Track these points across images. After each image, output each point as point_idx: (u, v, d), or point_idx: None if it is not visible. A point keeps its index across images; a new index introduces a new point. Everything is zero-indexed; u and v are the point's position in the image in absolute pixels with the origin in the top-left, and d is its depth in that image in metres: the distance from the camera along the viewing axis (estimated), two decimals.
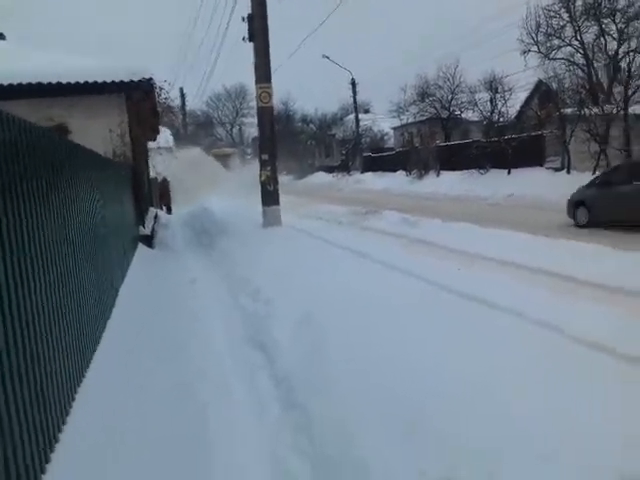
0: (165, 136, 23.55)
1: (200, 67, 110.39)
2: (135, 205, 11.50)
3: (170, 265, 9.94)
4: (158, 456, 3.30)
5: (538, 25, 24.91)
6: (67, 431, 3.46)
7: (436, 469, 2.95)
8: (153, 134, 18.77)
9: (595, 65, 23.81)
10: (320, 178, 44.70)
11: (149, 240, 11.80)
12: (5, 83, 9.75)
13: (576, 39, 24.10)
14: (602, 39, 23.38)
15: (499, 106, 28.22)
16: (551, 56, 25.02)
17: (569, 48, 24.52)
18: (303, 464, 3.37)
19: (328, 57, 41.95)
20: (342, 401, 3.85)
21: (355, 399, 3.83)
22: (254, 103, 14.28)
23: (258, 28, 13.06)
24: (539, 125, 24.02)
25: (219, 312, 6.76)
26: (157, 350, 5.10)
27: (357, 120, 46.05)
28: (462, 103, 35.59)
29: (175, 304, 6.90)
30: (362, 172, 41.75)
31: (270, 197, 13.36)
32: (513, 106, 28.85)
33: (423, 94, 39.00)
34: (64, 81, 10.15)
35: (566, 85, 23.55)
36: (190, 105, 58.52)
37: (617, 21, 22.66)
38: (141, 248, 10.87)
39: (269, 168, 13.39)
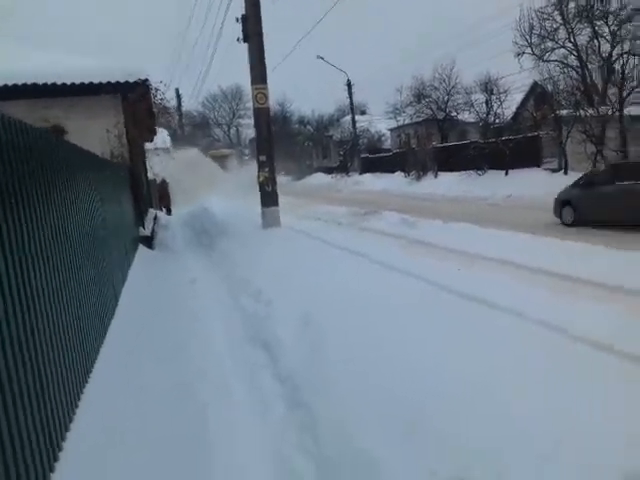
0: (162, 137, 23.55)
1: (195, 68, 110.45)
2: (134, 206, 11.48)
3: (170, 266, 9.93)
4: (159, 456, 3.30)
5: (531, 27, 24.99)
6: (73, 430, 3.47)
7: (440, 467, 2.96)
8: (150, 135, 18.75)
9: (589, 67, 23.88)
10: (319, 179, 44.73)
11: (149, 241, 11.79)
12: (0, 84, 9.73)
13: (570, 41, 24.17)
14: (595, 41, 23.45)
15: (495, 107, 28.34)
16: (545, 58, 25.10)
17: (563, 50, 24.60)
18: (308, 463, 3.37)
19: (322, 58, 41.90)
20: (341, 401, 3.86)
21: (354, 399, 3.84)
22: (250, 104, 14.26)
23: (252, 29, 13.05)
24: (535, 126, 24.09)
25: (219, 313, 6.76)
26: (158, 351, 5.11)
27: (354, 121, 46.07)
28: (458, 104, 35.66)
29: (175, 305, 6.90)
30: (360, 173, 41.79)
31: (269, 198, 13.35)
32: (509, 107, 28.95)
33: (419, 95, 39.04)
34: (60, 82, 10.15)
35: (561, 87, 23.61)
36: (186, 106, 58.52)
37: (610, 23, 22.74)
38: (141, 249, 10.87)
39: (267, 169, 13.38)
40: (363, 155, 44.53)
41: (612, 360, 4.14)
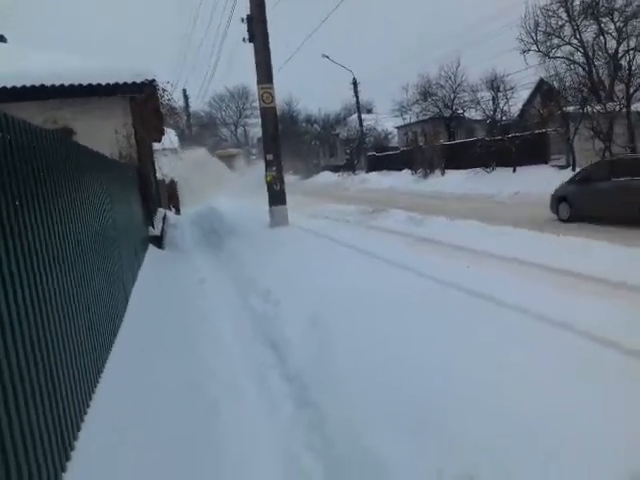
0: (170, 137, 23.61)
1: (202, 68, 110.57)
2: (143, 206, 11.54)
3: (180, 265, 10.00)
4: (170, 455, 3.34)
5: (537, 24, 24.86)
6: (85, 430, 3.52)
7: (447, 466, 2.98)
8: (158, 135, 18.82)
9: (596, 64, 23.74)
10: (326, 178, 44.72)
11: (159, 241, 11.86)
12: (9, 85, 9.81)
13: (575, 38, 24.04)
14: (601, 38, 23.31)
15: (501, 105, 28.24)
16: (551, 55, 24.97)
17: (569, 47, 24.46)
18: (317, 462, 3.40)
19: (328, 57, 41.87)
20: (349, 400, 3.88)
21: (362, 398, 3.86)
22: (257, 104, 14.32)
23: (257, 29, 13.10)
24: (542, 123, 23.99)
25: (228, 312, 6.80)
26: (168, 350, 5.16)
27: (360, 119, 46.01)
28: (464, 102, 35.58)
29: (185, 304, 6.95)
30: (367, 171, 41.73)
31: (276, 197, 13.40)
32: (515, 105, 28.83)
33: (425, 93, 38.99)
34: (68, 83, 10.21)
35: (567, 84, 23.49)
36: (193, 106, 58.69)
37: (615, 20, 22.61)
38: (151, 249, 10.94)
39: (274, 168, 13.43)
40: (370, 153, 44.46)
41: (621, 358, 4.15)
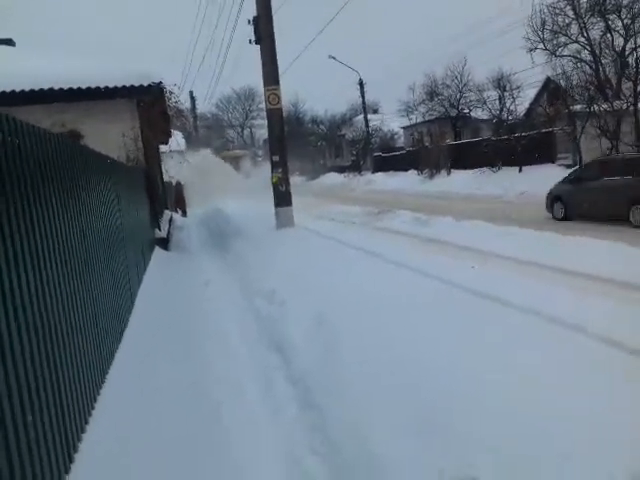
0: (177, 139, 23.72)
1: (209, 70, 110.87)
2: (150, 208, 11.60)
3: (186, 267, 10.03)
4: (174, 458, 3.35)
5: (543, 23, 24.77)
6: (89, 432, 3.53)
7: (453, 468, 2.97)
8: (165, 137, 18.89)
9: (603, 61, 23.64)
10: (332, 179, 44.70)
11: (165, 243, 11.93)
12: (18, 89, 9.90)
13: (582, 36, 23.93)
14: (609, 35, 23.20)
15: (508, 104, 28.16)
16: (558, 53, 24.88)
17: (576, 45, 24.35)
18: (321, 464, 3.40)
19: (334, 58, 41.91)
20: (356, 402, 3.88)
21: (368, 399, 3.85)
22: (263, 105, 14.36)
23: (264, 30, 13.11)
24: (549, 122, 23.91)
25: (233, 314, 6.82)
26: (173, 352, 5.17)
27: (366, 120, 46.00)
28: (471, 102, 35.49)
29: (191, 306, 6.98)
30: (373, 172, 41.71)
31: (282, 198, 13.41)
32: (522, 104, 28.75)
33: (431, 93, 38.97)
34: (75, 86, 10.28)
35: (574, 82, 23.41)
36: (200, 108, 58.85)
37: (623, 17, 22.51)
38: (157, 250, 11.00)
39: (280, 169, 13.44)
40: (376, 154, 44.43)
41: (628, 358, 4.15)
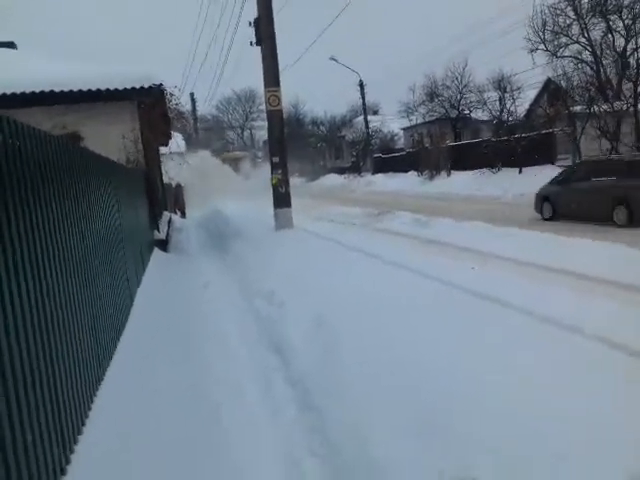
0: (177, 141, 23.73)
1: (209, 72, 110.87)
2: (149, 210, 11.61)
3: (185, 269, 10.04)
4: (172, 460, 3.34)
5: (544, 23, 24.82)
6: (86, 433, 3.53)
7: (453, 469, 2.97)
8: (165, 139, 18.91)
9: (603, 62, 23.66)
10: (332, 180, 44.73)
11: (164, 244, 11.93)
12: (18, 91, 9.92)
13: (583, 36, 23.98)
14: (609, 36, 23.24)
15: (508, 105, 28.18)
16: (559, 54, 24.92)
17: (577, 46, 24.40)
18: (321, 466, 3.40)
19: (335, 59, 41.98)
20: (356, 403, 3.87)
21: (369, 401, 3.85)
22: (264, 106, 14.37)
23: (265, 32, 13.12)
24: (549, 123, 23.93)
25: (233, 315, 6.81)
26: (172, 353, 5.17)
27: (366, 121, 46.04)
28: (471, 103, 35.56)
29: (189, 307, 6.98)
30: (373, 173, 41.74)
31: (282, 200, 13.40)
32: (522, 105, 28.77)
33: (432, 94, 39.02)
34: (76, 89, 10.30)
35: (575, 83, 23.44)
36: (200, 110, 58.89)
37: (624, 17, 22.54)
38: (156, 252, 11.00)
39: (280, 171, 13.44)
40: (376, 155, 44.47)
41: (624, 359, 4.14)
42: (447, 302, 5.86)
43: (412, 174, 34.02)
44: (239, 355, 5.35)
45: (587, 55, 24.12)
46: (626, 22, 22.46)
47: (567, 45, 24.66)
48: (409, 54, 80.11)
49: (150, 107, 11.90)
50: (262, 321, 6.41)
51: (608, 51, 23.43)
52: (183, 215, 23.44)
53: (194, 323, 6.29)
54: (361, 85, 45.07)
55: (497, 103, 29.48)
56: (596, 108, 20.63)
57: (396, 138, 49.91)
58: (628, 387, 3.64)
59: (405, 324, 5.13)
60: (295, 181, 26.93)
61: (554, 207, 13.91)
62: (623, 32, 22.72)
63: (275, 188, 13.44)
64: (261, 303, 7.00)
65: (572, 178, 13.82)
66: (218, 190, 27.51)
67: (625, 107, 20.34)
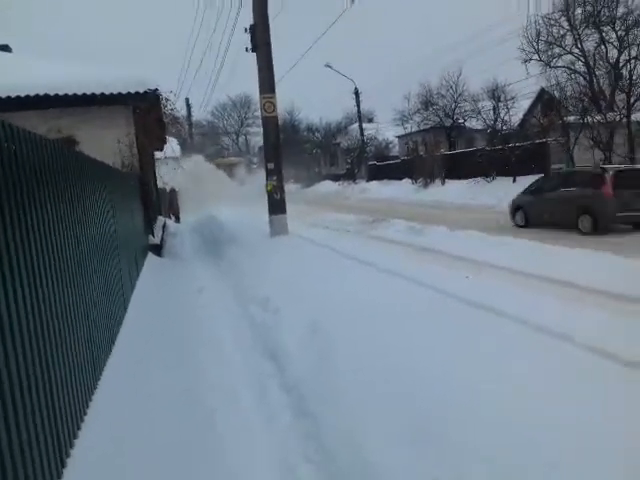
0: (172, 146, 23.71)
1: (205, 77, 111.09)
2: (144, 215, 11.59)
3: (179, 274, 10.01)
4: (167, 465, 3.34)
5: (538, 34, 25.04)
6: (81, 437, 3.52)
7: (447, 477, 2.98)
8: (160, 144, 18.87)
9: (597, 73, 23.87)
10: (326, 187, 44.78)
11: (158, 249, 11.91)
12: (13, 95, 9.91)
13: (577, 47, 24.21)
14: (603, 47, 23.45)
15: (502, 114, 28.35)
16: (552, 64, 25.12)
17: (570, 56, 24.64)
18: (316, 472, 3.39)
19: (330, 66, 42.07)
20: (350, 410, 3.87)
21: (363, 408, 3.85)
22: (259, 113, 14.39)
23: (260, 38, 13.17)
24: (542, 133, 24.08)
25: (227, 321, 6.80)
26: (166, 359, 5.15)
27: (361, 129, 46.18)
28: (465, 112, 35.72)
29: (184, 313, 6.96)
30: (368, 180, 41.80)
31: (277, 206, 13.41)
32: (516, 114, 28.95)
33: (427, 103, 39.18)
34: (71, 93, 10.29)
35: (568, 93, 23.61)
36: (195, 115, 58.84)
37: (617, 29, 22.77)
38: (150, 257, 10.97)
39: (275, 177, 13.45)
40: (370, 162, 44.58)
41: (619, 369, 4.16)
42: (441, 310, 5.88)
43: (406, 182, 34.10)
44: (234, 361, 5.34)
45: (580, 66, 24.36)
46: (619, 33, 22.70)
47: (561, 55, 24.91)
48: (405, 62, 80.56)
49: (145, 112, 11.89)
50: (257, 327, 6.40)
51: (601, 62, 23.67)
52: (177, 220, 23.40)
53: (188, 328, 6.28)
54: (356, 93, 45.23)
55: (491, 112, 29.65)
56: (589, 118, 20.79)
57: (391, 146, 50.09)
58: (618, 395, 3.67)
59: (400, 332, 5.14)
60: (290, 187, 26.98)
61: (526, 215, 14.78)
62: (616, 43, 22.96)
63: (270, 194, 13.45)
64: (256, 309, 6.99)
65: (543, 188, 14.70)
66: (212, 195, 27.48)
67: (618, 118, 20.52)
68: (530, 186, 15.65)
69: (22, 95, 9.94)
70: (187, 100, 52.52)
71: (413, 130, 41.74)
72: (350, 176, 44.63)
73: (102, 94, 10.54)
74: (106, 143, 10.35)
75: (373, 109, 58.50)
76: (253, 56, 13.42)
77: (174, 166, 19.61)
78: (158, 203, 18.78)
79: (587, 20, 23.47)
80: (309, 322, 5.68)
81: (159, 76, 11.61)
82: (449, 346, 4.67)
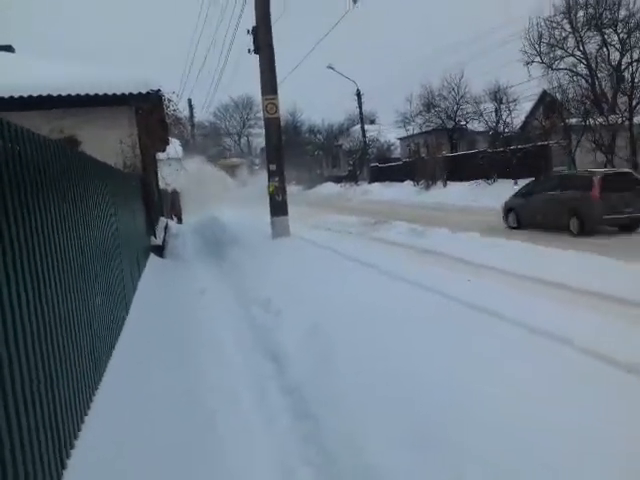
0: (174, 147, 23.73)
1: (207, 78, 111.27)
2: (146, 215, 11.59)
3: (181, 275, 10.02)
4: (167, 467, 3.34)
5: (540, 36, 25.03)
6: (82, 438, 3.52)
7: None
8: (162, 145, 18.88)
9: (599, 75, 23.85)
10: (328, 188, 44.80)
11: (160, 250, 11.92)
12: (16, 95, 9.93)
13: (579, 49, 24.20)
14: (605, 49, 23.44)
15: (504, 116, 28.36)
16: (554, 66, 25.10)
17: (572, 58, 24.64)
18: (316, 475, 3.39)
19: (333, 68, 42.11)
20: (351, 413, 3.87)
21: (364, 411, 3.85)
22: (261, 114, 14.40)
23: (263, 40, 13.18)
24: (544, 135, 24.07)
25: (228, 322, 6.81)
26: (167, 360, 5.16)
27: (363, 130, 46.21)
28: (467, 114, 35.76)
29: (185, 314, 6.97)
30: (370, 182, 41.84)
31: (278, 208, 13.41)
32: (518, 116, 28.97)
33: (428, 105, 39.20)
34: (74, 93, 10.31)
35: (570, 95, 23.60)
36: (198, 116, 58.88)
37: (619, 31, 22.76)
38: (152, 258, 10.98)
39: (277, 179, 13.46)
40: (372, 164, 44.61)
41: (617, 373, 4.18)
42: (443, 314, 5.88)
43: (408, 184, 34.12)
44: (234, 362, 5.34)
45: (582, 68, 24.35)
46: (621, 36, 22.69)
47: (562, 58, 24.91)
48: (407, 64, 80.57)
49: (148, 112, 11.91)
50: (258, 329, 6.41)
51: (603, 64, 23.66)
52: (179, 221, 23.44)
53: (190, 329, 6.28)
54: (358, 95, 45.27)
55: (493, 114, 29.66)
56: (591, 121, 20.79)
57: (393, 148, 50.10)
58: (614, 398, 3.69)
59: (400, 335, 5.14)
60: (292, 189, 26.97)
61: (519, 217, 15.19)
62: (618, 46, 22.94)
63: (272, 196, 13.44)
64: (257, 311, 7.00)
65: (533, 191, 15.13)
66: (214, 197, 27.51)
67: (620, 120, 20.50)
68: (521, 189, 16.12)
69: (25, 95, 9.97)
70: (189, 101, 52.62)
71: (415, 132, 41.76)
72: (352, 178, 44.65)
73: (105, 95, 10.56)
74: (108, 143, 10.36)
75: (375, 111, 58.60)
76: (255, 57, 13.44)
77: (176, 167, 19.62)
78: (160, 204, 18.80)
79: (589, 22, 23.47)
80: (310, 324, 5.68)
81: (161, 76, 11.64)
82: (450, 349, 4.67)
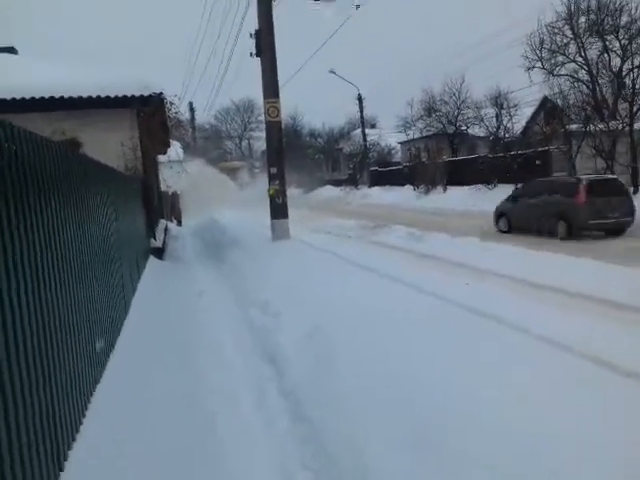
0: (175, 150, 23.77)
1: (208, 81, 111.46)
2: (146, 218, 11.61)
3: (180, 277, 10.03)
4: (167, 469, 3.34)
5: (542, 42, 25.04)
6: (80, 440, 3.52)
7: None
8: (164, 148, 18.91)
9: (600, 81, 23.87)
10: (328, 192, 44.87)
11: (160, 252, 11.92)
12: (18, 97, 9.96)
13: (580, 56, 24.21)
14: (606, 56, 23.46)
15: (505, 122, 28.37)
16: (555, 72, 25.12)
17: (573, 64, 24.63)
18: (316, 477, 3.40)
19: (334, 72, 42.23)
20: (351, 415, 3.87)
21: (364, 413, 3.85)
22: (262, 117, 14.43)
23: (265, 44, 13.21)
24: (545, 141, 24.09)
25: (228, 325, 6.81)
26: (166, 362, 5.16)
27: (364, 134, 46.27)
28: (468, 118, 35.79)
29: (184, 316, 6.97)
30: (370, 186, 41.88)
31: (278, 210, 13.42)
32: (519, 122, 28.95)
33: (429, 109, 39.25)
34: (76, 95, 10.34)
35: (571, 101, 23.63)
36: (199, 119, 58.98)
37: (620, 38, 22.78)
38: (152, 260, 10.99)
39: (277, 182, 13.47)
40: (372, 168, 44.64)
41: (614, 378, 4.19)
42: (442, 317, 5.88)
43: (408, 188, 34.15)
44: (234, 365, 5.34)
45: (583, 74, 24.34)
46: (622, 42, 22.70)
47: (564, 64, 24.89)
48: (408, 68, 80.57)
49: (149, 115, 11.93)
50: (257, 331, 6.41)
51: (604, 71, 23.66)
52: (179, 223, 23.47)
53: (189, 332, 6.29)
54: (359, 99, 45.38)
55: (494, 120, 29.66)
56: (592, 127, 20.81)
57: (393, 152, 50.10)
58: (615, 403, 3.68)
59: (400, 338, 5.15)
60: (292, 192, 27.00)
61: (509, 221, 15.58)
62: (619, 52, 22.96)
63: (272, 199, 13.45)
64: (256, 313, 7.01)
65: (523, 196, 15.52)
66: (215, 199, 27.54)
67: (621, 127, 20.51)
68: (512, 193, 16.54)
69: (27, 97, 9.99)
70: (191, 104, 52.78)
71: (416, 136, 41.76)
72: (352, 182, 44.69)
73: (107, 97, 10.58)
74: (110, 146, 10.38)
75: (376, 115, 58.71)
76: (257, 61, 13.46)
77: (177, 170, 19.65)
78: (160, 206, 18.82)
79: (590, 29, 23.49)
80: (310, 327, 5.68)
81: (162, 78, 11.67)
82: (450, 353, 4.66)
